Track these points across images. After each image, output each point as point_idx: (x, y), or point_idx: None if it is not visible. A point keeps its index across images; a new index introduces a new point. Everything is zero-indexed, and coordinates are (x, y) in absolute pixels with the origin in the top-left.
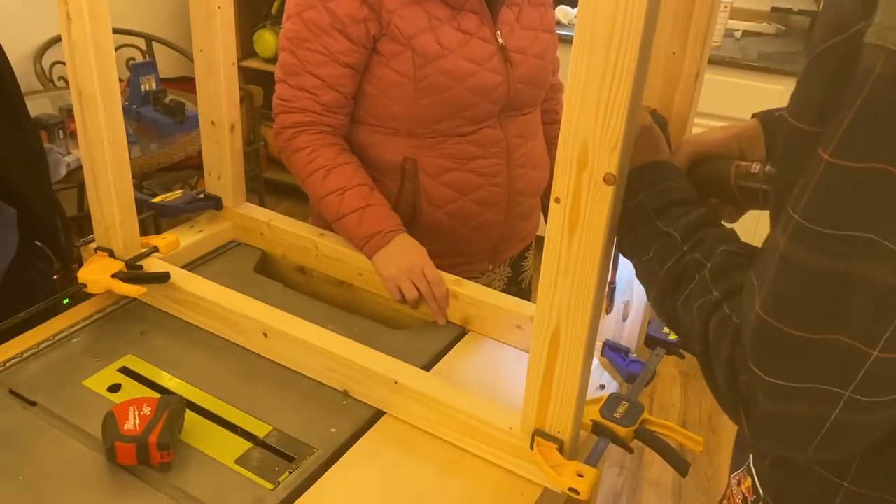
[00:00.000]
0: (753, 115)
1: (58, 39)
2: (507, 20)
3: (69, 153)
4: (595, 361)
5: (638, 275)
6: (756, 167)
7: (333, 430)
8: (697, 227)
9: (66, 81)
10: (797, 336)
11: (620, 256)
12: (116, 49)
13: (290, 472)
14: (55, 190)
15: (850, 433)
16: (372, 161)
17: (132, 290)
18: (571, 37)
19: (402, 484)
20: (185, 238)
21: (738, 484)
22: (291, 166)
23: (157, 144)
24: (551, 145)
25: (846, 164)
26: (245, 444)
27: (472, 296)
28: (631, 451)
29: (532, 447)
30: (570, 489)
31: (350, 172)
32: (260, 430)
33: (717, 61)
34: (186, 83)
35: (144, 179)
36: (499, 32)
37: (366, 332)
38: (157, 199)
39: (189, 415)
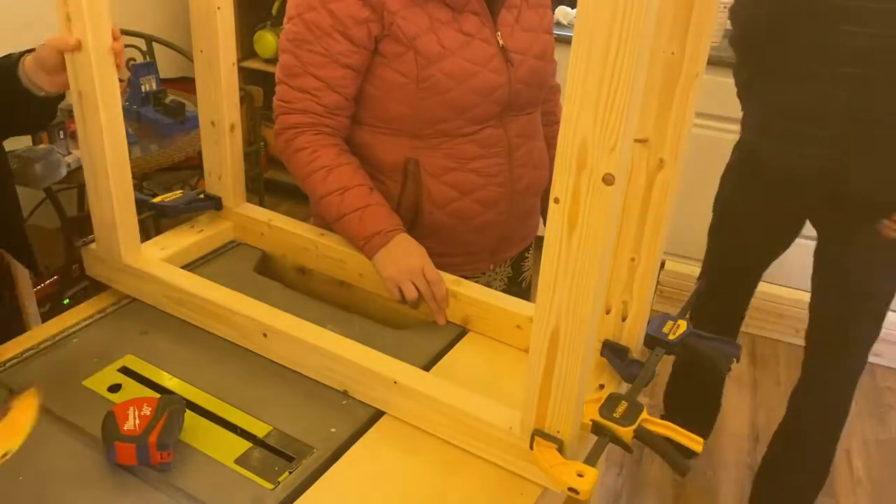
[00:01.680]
0: None
1: None
2: (506, 21)
3: (69, 153)
4: (594, 361)
5: None
6: None
7: (333, 430)
8: None
9: None
10: None
11: None
12: None
13: (290, 472)
14: (56, 190)
15: None
16: (374, 161)
17: None
18: (571, 37)
19: (401, 484)
20: (185, 238)
21: None
22: (291, 167)
23: (157, 145)
24: (550, 145)
25: None
26: (245, 444)
27: (472, 296)
28: (630, 450)
29: (532, 447)
30: (570, 489)
31: (350, 173)
32: (260, 430)
33: (716, 61)
34: (186, 83)
35: (144, 179)
36: (499, 34)
37: (366, 332)
38: (157, 200)
39: (189, 415)
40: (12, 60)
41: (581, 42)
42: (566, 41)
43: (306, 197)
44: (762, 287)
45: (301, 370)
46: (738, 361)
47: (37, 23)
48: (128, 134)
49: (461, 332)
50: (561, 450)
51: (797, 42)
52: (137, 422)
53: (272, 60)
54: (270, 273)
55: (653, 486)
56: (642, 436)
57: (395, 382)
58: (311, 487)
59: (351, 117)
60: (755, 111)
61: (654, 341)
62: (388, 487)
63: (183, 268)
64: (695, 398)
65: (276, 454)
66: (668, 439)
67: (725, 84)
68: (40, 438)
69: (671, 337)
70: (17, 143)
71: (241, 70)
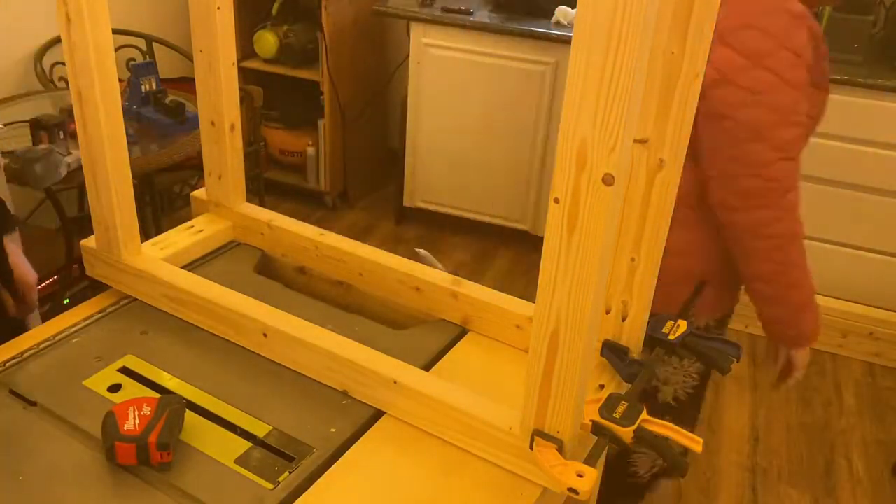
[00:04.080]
0: None
1: (58, 40)
2: None
3: (69, 153)
4: (594, 361)
5: None
6: None
7: (333, 430)
8: None
9: (67, 82)
10: None
11: None
12: (116, 50)
13: (290, 472)
14: (56, 191)
15: None
16: None
17: None
18: (571, 37)
19: (401, 484)
20: (185, 238)
21: None
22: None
23: (157, 145)
24: None
25: None
26: (245, 444)
27: (471, 296)
28: (630, 451)
29: (531, 447)
30: (570, 489)
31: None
32: (260, 429)
33: None
34: (186, 83)
35: (145, 180)
36: None
37: (366, 332)
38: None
39: (189, 415)
40: None
41: (581, 42)
42: (566, 41)
43: (306, 197)
44: None
45: (301, 370)
46: (738, 361)
47: (39, 22)
48: (128, 134)
49: (461, 332)
50: (561, 450)
51: None
52: (137, 422)
53: (272, 60)
54: (270, 273)
55: None
56: (642, 436)
57: (395, 382)
58: (311, 487)
59: None
60: None
61: (654, 341)
62: (388, 487)
63: (183, 268)
64: None
65: (276, 454)
66: (667, 439)
67: None
68: (40, 438)
69: (671, 337)
70: (17, 144)
71: (241, 70)
